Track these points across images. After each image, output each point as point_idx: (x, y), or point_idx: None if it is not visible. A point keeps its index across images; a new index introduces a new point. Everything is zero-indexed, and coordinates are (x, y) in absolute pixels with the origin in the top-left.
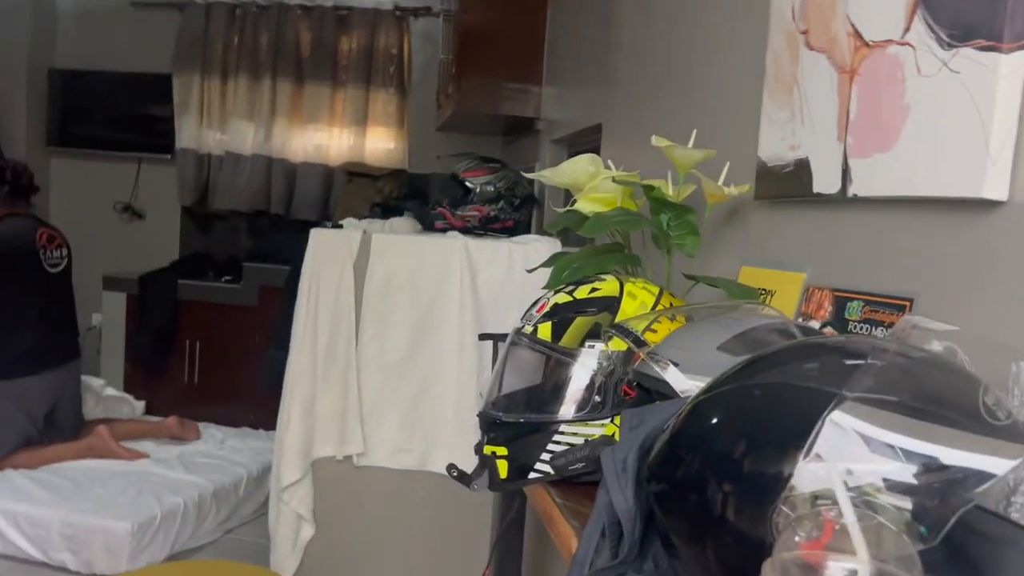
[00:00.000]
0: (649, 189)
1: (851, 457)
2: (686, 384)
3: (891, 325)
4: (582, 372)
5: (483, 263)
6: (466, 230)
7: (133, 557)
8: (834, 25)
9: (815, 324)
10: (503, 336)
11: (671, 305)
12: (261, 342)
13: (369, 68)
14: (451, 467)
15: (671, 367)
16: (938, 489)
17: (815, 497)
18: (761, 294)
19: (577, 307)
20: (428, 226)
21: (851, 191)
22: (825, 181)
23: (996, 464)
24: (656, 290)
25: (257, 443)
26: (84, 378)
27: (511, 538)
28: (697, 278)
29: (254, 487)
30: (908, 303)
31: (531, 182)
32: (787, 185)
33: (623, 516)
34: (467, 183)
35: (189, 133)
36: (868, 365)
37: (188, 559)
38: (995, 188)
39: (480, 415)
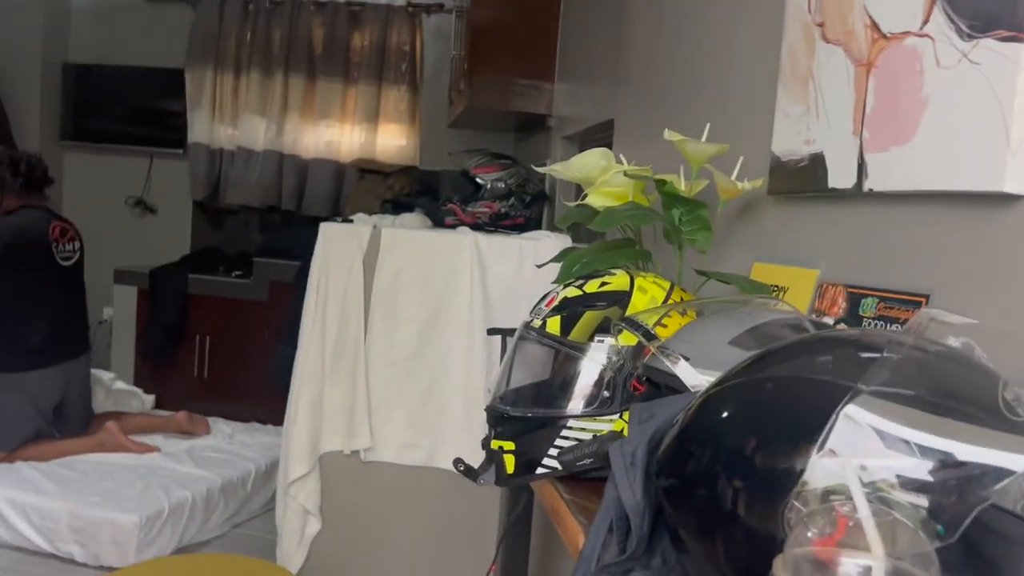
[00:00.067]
0: (661, 184)
1: (865, 452)
2: (697, 379)
3: (906, 322)
4: (591, 367)
5: (493, 259)
6: (476, 227)
7: (140, 550)
8: (851, 17)
9: (829, 321)
10: (512, 331)
11: (682, 300)
12: (271, 337)
13: (381, 64)
14: (458, 461)
15: (682, 361)
16: (955, 486)
17: (828, 493)
18: (774, 290)
19: (587, 301)
20: (438, 222)
21: (867, 185)
22: (840, 176)
23: (1015, 461)
24: (667, 285)
25: (266, 438)
26: (94, 371)
27: (518, 534)
28: (709, 274)
29: (262, 482)
30: (924, 299)
31: (542, 179)
32: (801, 180)
33: (631, 511)
34: (478, 179)
35: (201, 128)
36: (884, 358)
37: (195, 553)
38: (1015, 182)
39: (487, 409)
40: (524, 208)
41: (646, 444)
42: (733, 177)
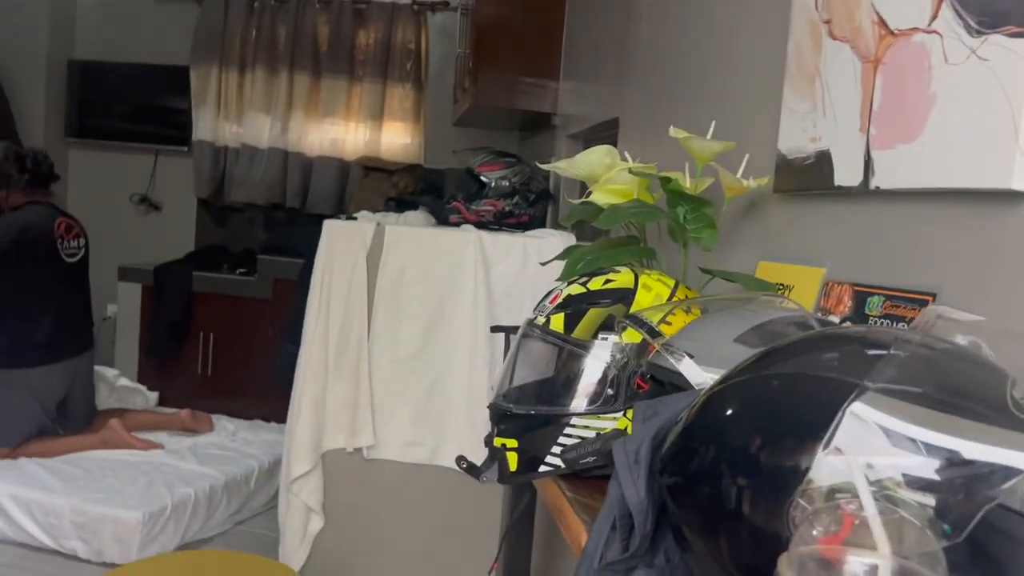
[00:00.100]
0: (666, 181)
1: (871, 450)
2: (701, 376)
3: (913, 321)
4: (595, 364)
5: (497, 257)
6: (481, 225)
7: (143, 547)
8: (858, 14)
9: (834, 319)
10: (515, 328)
11: (686, 297)
12: (275, 335)
13: (386, 62)
14: (460, 459)
15: (686, 359)
16: (962, 484)
17: (833, 491)
18: (779, 289)
19: (591, 298)
20: (442, 220)
21: (873, 183)
22: (847, 173)
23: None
24: (672, 282)
25: (269, 435)
26: (98, 368)
27: (520, 532)
28: (714, 272)
29: (265, 479)
30: (930, 298)
31: (547, 177)
32: (807, 178)
33: (634, 509)
34: (482, 177)
35: (206, 125)
36: (891, 355)
37: (198, 550)
38: None
39: (490, 407)
40: (528, 206)
41: (650, 441)
42: (738, 175)
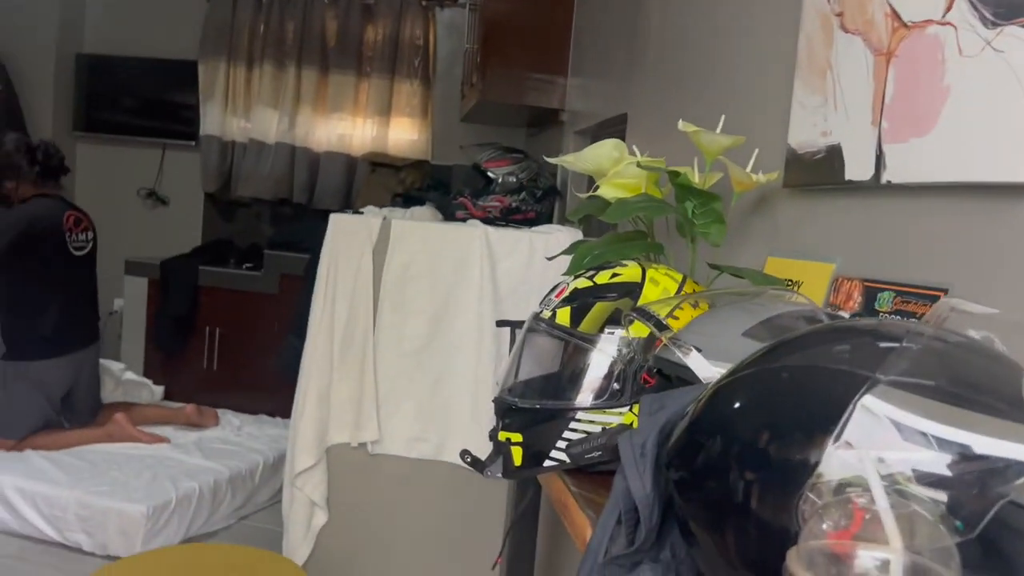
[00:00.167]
0: (675, 175)
1: (883, 444)
2: (709, 371)
3: (924, 316)
4: (601, 358)
5: (503, 253)
6: (487, 221)
7: (147, 540)
8: (871, 6)
9: (844, 315)
10: (521, 323)
11: (694, 292)
12: (280, 330)
13: (394, 58)
14: (464, 453)
15: (694, 352)
16: (975, 480)
17: (843, 485)
18: (788, 285)
19: (597, 292)
20: (449, 216)
21: (885, 177)
22: (858, 168)
23: None
24: (679, 277)
25: (274, 430)
26: (104, 362)
27: (525, 527)
28: (722, 268)
29: (270, 474)
30: (942, 293)
31: (554, 173)
32: (818, 172)
33: (640, 502)
34: (489, 173)
35: (213, 120)
36: (903, 348)
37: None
38: None
39: (495, 400)
40: (535, 203)
41: (656, 435)
42: (748, 169)
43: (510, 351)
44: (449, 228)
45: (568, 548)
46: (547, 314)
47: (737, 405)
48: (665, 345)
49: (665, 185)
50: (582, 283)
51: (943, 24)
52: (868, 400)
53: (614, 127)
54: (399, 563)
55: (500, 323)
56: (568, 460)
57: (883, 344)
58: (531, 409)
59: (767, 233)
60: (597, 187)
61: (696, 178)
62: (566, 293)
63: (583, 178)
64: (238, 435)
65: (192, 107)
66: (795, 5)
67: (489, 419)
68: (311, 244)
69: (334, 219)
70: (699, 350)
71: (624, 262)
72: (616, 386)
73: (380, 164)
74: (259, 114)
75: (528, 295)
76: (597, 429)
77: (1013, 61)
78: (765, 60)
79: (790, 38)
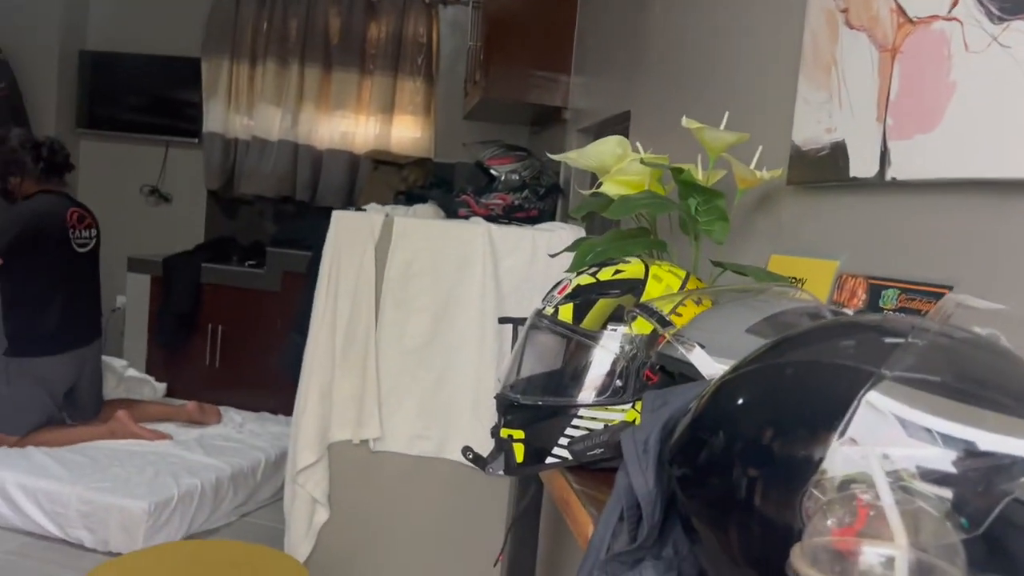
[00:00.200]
0: (678, 172)
1: (887, 440)
2: (713, 367)
3: (929, 312)
4: (603, 355)
5: (506, 250)
6: (490, 218)
7: (149, 536)
8: (876, 2)
9: (848, 313)
10: (523, 320)
11: (697, 288)
12: (283, 327)
13: (397, 56)
14: (466, 450)
15: (697, 348)
16: (982, 476)
17: (848, 481)
18: (792, 282)
19: (600, 289)
20: (452, 214)
21: (889, 174)
22: (862, 164)
23: None
24: (683, 274)
25: (276, 428)
26: (107, 359)
27: (526, 524)
28: (725, 265)
29: (272, 471)
30: (947, 291)
31: (557, 171)
32: (822, 169)
33: (643, 499)
34: (492, 171)
35: (216, 117)
36: (909, 344)
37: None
38: None
39: (497, 397)
40: (538, 200)
41: (659, 431)
42: (752, 166)
43: (512, 349)
44: (451, 225)
45: (570, 545)
46: (550, 310)
47: (741, 401)
48: (668, 341)
49: (668, 182)
50: (585, 279)
51: (949, 19)
52: (873, 396)
53: (617, 125)
54: (400, 560)
55: (502, 320)
56: (570, 457)
57: (888, 340)
58: (533, 406)
59: (771, 230)
60: (600, 184)
61: (700, 175)
62: (569, 289)
63: (586, 176)
64: (240, 432)
65: (195, 104)
66: (800, 1)
67: (491, 417)
68: (313, 242)
69: (336, 216)
70: (702, 346)
71: (627, 259)
72: (619, 383)
73: (383, 162)
74: (262, 111)
75: (530, 293)
76: (599, 426)
77: (1020, 56)
78: (769, 57)
79: (794, 35)
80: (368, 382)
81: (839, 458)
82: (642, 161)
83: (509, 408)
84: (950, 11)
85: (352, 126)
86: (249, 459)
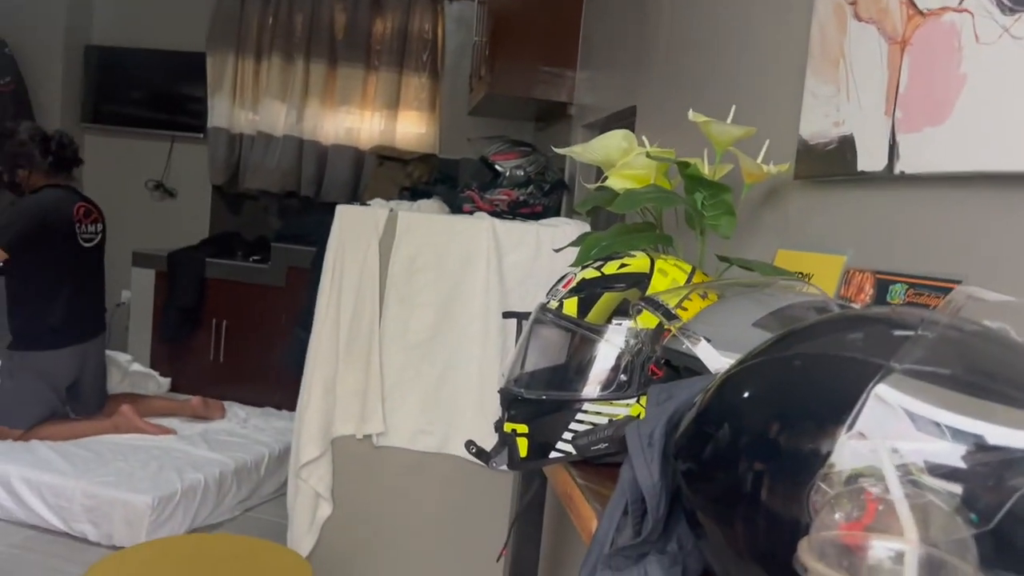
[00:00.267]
0: (684, 166)
1: (896, 434)
2: (719, 361)
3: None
4: (608, 349)
5: (510, 246)
6: (494, 214)
7: (152, 531)
8: None
9: (856, 307)
10: (527, 315)
11: (703, 282)
12: (287, 323)
13: (403, 52)
14: (470, 444)
15: (703, 342)
16: (992, 471)
17: (856, 475)
18: (798, 277)
19: (605, 283)
20: (456, 209)
21: (898, 168)
22: (870, 158)
23: None
24: (688, 268)
25: (280, 423)
26: (111, 353)
27: (530, 519)
28: (731, 260)
29: (275, 466)
30: (955, 285)
31: (562, 167)
32: (829, 163)
33: (647, 493)
34: (497, 166)
35: (221, 112)
36: (918, 336)
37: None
38: None
39: (501, 391)
40: (543, 196)
41: (664, 425)
42: (759, 161)
43: (516, 343)
44: (456, 220)
45: (574, 540)
46: (554, 304)
47: (747, 394)
48: (674, 335)
49: (674, 176)
50: (590, 273)
51: (959, 11)
52: (882, 389)
53: (623, 120)
54: (403, 555)
55: (506, 314)
56: (574, 452)
57: (897, 332)
58: (537, 400)
59: (778, 225)
60: (606, 178)
61: (706, 169)
62: (573, 283)
63: (591, 171)
64: (244, 427)
65: (200, 99)
66: None
67: (495, 412)
68: (318, 237)
69: (341, 211)
70: (708, 340)
71: (632, 253)
72: (623, 377)
73: (388, 157)
74: (267, 107)
75: (535, 288)
76: (604, 421)
77: None
78: (776, 50)
79: (802, 28)
80: (372, 377)
81: (847, 452)
82: (648, 155)
83: (513, 402)
84: (961, 2)
85: (357, 122)
86: (253, 454)
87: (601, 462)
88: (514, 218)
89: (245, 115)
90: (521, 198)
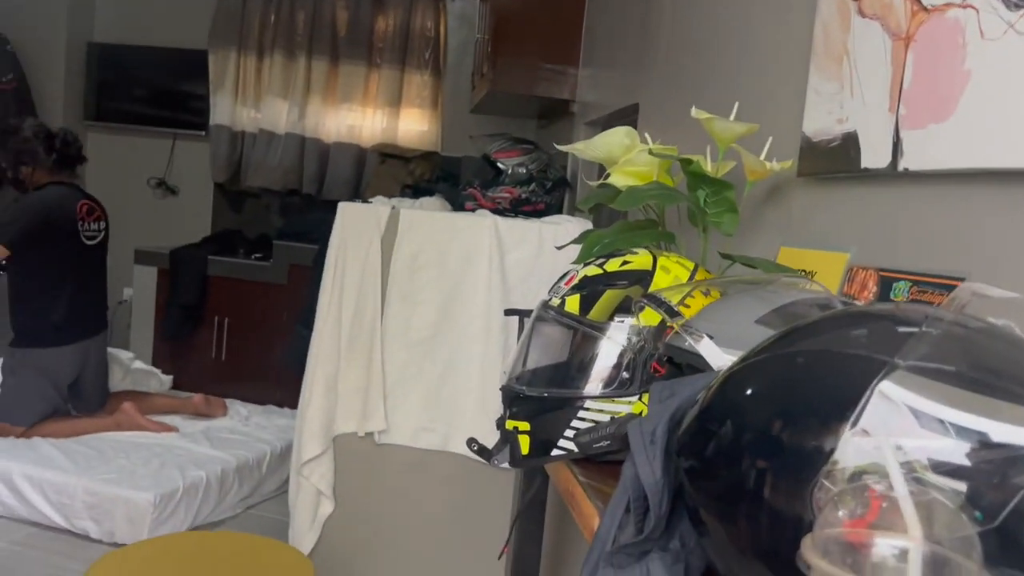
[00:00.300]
0: (687, 163)
1: (900, 431)
2: (721, 358)
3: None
4: (610, 347)
5: (512, 243)
6: (496, 212)
7: (154, 528)
8: None
9: (859, 304)
10: (529, 312)
11: (706, 279)
12: (289, 320)
13: (405, 49)
14: (471, 441)
15: (705, 339)
16: (996, 468)
17: (859, 473)
18: (801, 274)
19: (607, 280)
20: (458, 207)
21: (902, 165)
22: (874, 155)
23: None
24: (691, 265)
25: (282, 420)
26: (113, 351)
27: (532, 516)
28: (734, 257)
29: (277, 464)
30: (959, 283)
31: (564, 165)
32: (833, 160)
33: (650, 490)
34: (499, 164)
35: (223, 110)
36: (922, 333)
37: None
38: None
39: (503, 388)
40: (545, 194)
41: (667, 422)
42: (762, 158)
43: (518, 341)
44: (458, 218)
45: (575, 538)
46: (556, 302)
47: (750, 391)
48: (676, 332)
49: (677, 174)
50: (592, 270)
51: (964, 7)
52: (886, 386)
53: (625, 118)
54: (405, 553)
55: (508, 312)
56: (576, 449)
57: (902, 329)
58: (539, 397)
59: (780, 222)
60: (608, 175)
61: (709, 166)
62: (575, 281)
63: (593, 168)
64: (246, 425)
65: (202, 97)
66: None
67: (497, 410)
68: (320, 235)
69: (343, 208)
70: (711, 337)
71: (635, 250)
72: (625, 375)
73: (390, 155)
74: (269, 104)
75: (537, 286)
76: (606, 418)
77: None
78: (779, 47)
79: (805, 24)
80: (373, 374)
81: (851, 449)
82: (650, 152)
83: (515, 400)
84: None
85: (359, 119)
86: (254, 451)
87: (603, 460)
88: (516, 216)
89: (247, 113)
90: (523, 196)
